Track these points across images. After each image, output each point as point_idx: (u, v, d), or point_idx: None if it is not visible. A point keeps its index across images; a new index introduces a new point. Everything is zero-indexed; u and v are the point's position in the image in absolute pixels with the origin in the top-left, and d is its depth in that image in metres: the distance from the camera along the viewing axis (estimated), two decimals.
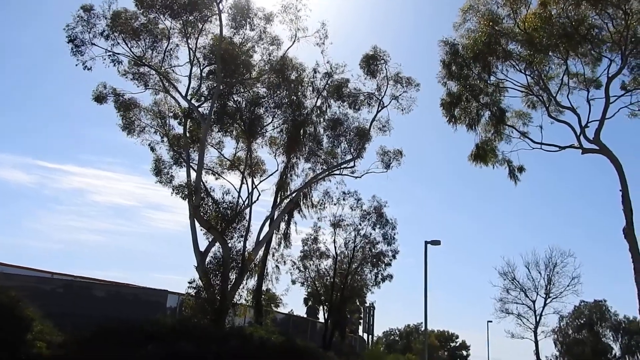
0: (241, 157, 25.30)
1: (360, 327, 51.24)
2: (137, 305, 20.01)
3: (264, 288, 29.09)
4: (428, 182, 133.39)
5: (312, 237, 36.16)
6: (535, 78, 24.88)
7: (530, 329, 67.09)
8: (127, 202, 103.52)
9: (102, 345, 13.39)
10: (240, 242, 21.75)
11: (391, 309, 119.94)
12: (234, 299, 21.00)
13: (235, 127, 24.60)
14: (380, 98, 26.01)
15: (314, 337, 34.48)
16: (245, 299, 22.53)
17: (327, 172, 27.11)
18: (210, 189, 22.75)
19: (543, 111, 25.90)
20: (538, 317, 67.21)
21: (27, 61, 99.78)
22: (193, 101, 23.19)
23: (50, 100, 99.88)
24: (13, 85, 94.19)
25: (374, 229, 35.80)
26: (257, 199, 24.16)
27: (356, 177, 27.35)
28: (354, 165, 26.69)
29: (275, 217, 26.11)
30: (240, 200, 22.98)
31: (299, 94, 25.35)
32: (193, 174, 22.12)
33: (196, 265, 20.55)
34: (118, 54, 21.85)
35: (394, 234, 36.21)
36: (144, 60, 22.51)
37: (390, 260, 36.45)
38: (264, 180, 25.70)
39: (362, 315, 49.70)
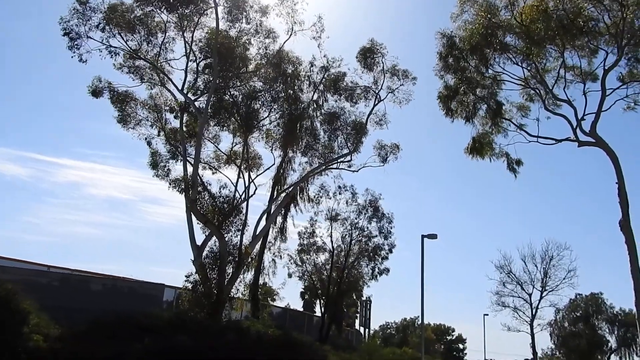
0: (238, 152, 25.25)
1: (357, 321, 51.46)
2: (133, 299, 19.99)
3: (260, 282, 29.15)
4: (425, 176, 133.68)
5: (309, 231, 36.25)
6: (532, 71, 24.89)
7: (527, 322, 67.38)
8: (124, 196, 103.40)
9: (98, 339, 13.36)
10: (237, 236, 21.76)
11: (388, 302, 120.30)
12: (231, 293, 21.01)
13: (231, 121, 24.53)
14: (377, 91, 26.03)
15: (310, 331, 34.57)
16: (242, 293, 22.59)
17: (324, 166, 27.08)
18: (207, 183, 22.77)
19: (540, 104, 25.94)
20: (534, 310, 67.47)
21: (23, 54, 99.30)
22: (189, 95, 23.10)
23: (46, 94, 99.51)
24: (9, 78, 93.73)
25: (370, 223, 35.92)
26: (254, 193, 24.22)
27: (353, 171, 27.39)
28: (351, 159, 26.71)
29: (272, 211, 26.12)
30: (237, 195, 23.02)
31: (296, 87, 25.30)
32: (190, 168, 22.07)
33: (193, 259, 20.54)
34: (114, 47, 21.74)
35: (390, 228, 36.35)
36: (139, 54, 22.39)
37: (387, 254, 36.59)
38: (260, 174, 25.73)
39: (358, 309, 49.89)
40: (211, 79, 22.99)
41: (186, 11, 22.18)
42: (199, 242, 21.07)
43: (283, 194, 27.16)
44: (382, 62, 25.68)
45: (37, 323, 13.06)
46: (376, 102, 26.10)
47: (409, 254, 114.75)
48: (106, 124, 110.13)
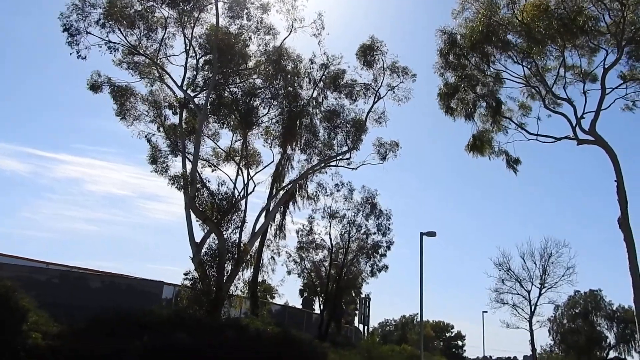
0: (237, 149, 25.23)
1: (356, 318, 51.56)
2: (132, 296, 19.99)
3: (259, 279, 29.14)
4: (425, 174, 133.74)
5: (307, 228, 36.24)
6: (532, 69, 24.85)
7: (525, 318, 67.43)
8: (122, 192, 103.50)
9: (98, 336, 13.36)
10: (235, 233, 21.77)
11: (387, 300, 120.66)
12: (230, 290, 20.99)
13: (231, 118, 24.50)
14: (376, 89, 26.00)
15: (309, 328, 34.59)
16: (240, 290, 22.53)
17: (323, 164, 27.08)
18: (206, 179, 22.75)
19: (540, 103, 25.93)
20: (533, 307, 67.52)
21: (22, 50, 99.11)
22: (189, 91, 23.07)
23: (45, 90, 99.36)
24: (8, 75, 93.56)
25: (368, 220, 35.91)
26: (253, 190, 24.22)
27: (352, 169, 27.41)
28: (350, 157, 26.72)
29: (270, 208, 26.12)
30: (236, 192, 23.01)
31: (295, 84, 25.26)
32: (189, 165, 22.05)
33: (192, 256, 20.53)
34: (113, 42, 21.67)
35: (389, 225, 36.31)
36: (139, 49, 22.33)
37: (385, 251, 36.58)
38: (259, 171, 25.74)
39: (357, 306, 49.95)
40: (211, 75, 22.94)
41: (187, 7, 22.12)
42: (197, 239, 21.06)
43: (282, 192, 27.15)
44: (382, 60, 25.68)
45: (36, 321, 13.04)
46: (376, 99, 26.11)
47: (408, 252, 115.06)
48: (105, 120, 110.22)
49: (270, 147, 26.29)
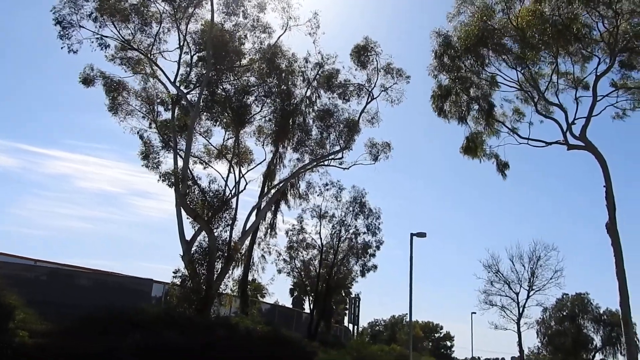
0: (229, 146, 25.13)
1: (346, 318, 51.59)
2: (121, 294, 19.85)
3: (249, 278, 29.11)
4: (419, 175, 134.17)
5: (298, 227, 36.24)
6: (526, 74, 24.95)
7: (514, 320, 67.88)
8: (114, 189, 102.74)
9: (86, 335, 13.25)
10: (226, 231, 21.72)
11: (377, 300, 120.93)
12: (220, 289, 20.95)
13: (224, 116, 24.37)
14: (370, 89, 26.01)
15: (299, 328, 34.59)
16: (231, 289, 22.55)
17: (315, 163, 27.06)
18: (197, 177, 22.67)
19: (532, 107, 26.05)
20: (521, 309, 68.01)
21: (14, 46, 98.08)
22: (182, 88, 22.93)
23: (37, 85, 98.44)
24: (0, 69, 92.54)
25: (357, 219, 36.02)
26: (244, 188, 24.18)
27: (344, 169, 27.44)
28: (342, 157, 26.75)
29: (262, 206, 26.06)
30: (227, 189, 22.92)
31: (289, 83, 25.18)
32: (180, 162, 21.94)
33: (182, 254, 20.44)
34: (106, 37, 21.51)
35: (379, 224, 36.43)
36: (132, 44, 22.16)
37: (375, 251, 36.67)
38: (251, 169, 25.68)
39: (347, 306, 49.99)
40: (204, 72, 22.82)
41: (182, 2, 22.02)
42: (188, 237, 20.97)
43: (273, 190, 27.09)
44: (376, 61, 25.70)
45: (23, 318, 12.90)
46: (369, 100, 26.13)
47: (400, 252, 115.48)
48: (97, 116, 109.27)
49: (263, 145, 26.29)
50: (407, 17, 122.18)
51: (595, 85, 23.45)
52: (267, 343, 17.64)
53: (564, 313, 68.32)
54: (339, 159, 26.79)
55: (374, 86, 25.93)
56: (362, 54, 25.43)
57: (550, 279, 66.48)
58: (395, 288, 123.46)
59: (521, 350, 69.11)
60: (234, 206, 22.68)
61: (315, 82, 25.75)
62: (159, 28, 22.41)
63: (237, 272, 24.39)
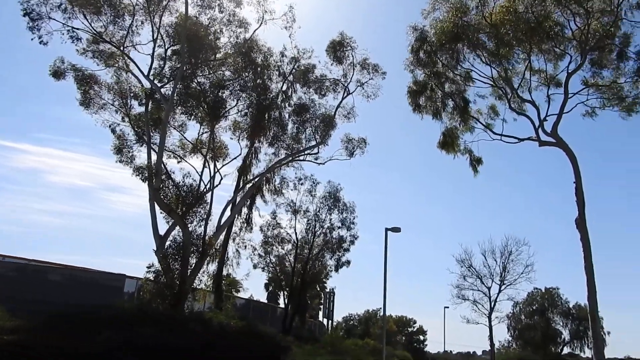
0: (204, 141, 24.89)
1: (320, 313, 51.70)
2: (93, 290, 19.53)
3: (224, 273, 28.95)
4: (395, 170, 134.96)
5: (273, 222, 36.23)
6: (500, 71, 25.30)
7: (485, 314, 69.05)
8: (86, 184, 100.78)
9: (56, 332, 12.99)
10: (201, 226, 21.54)
11: (351, 294, 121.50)
12: (194, 284, 20.77)
13: (198, 110, 24.12)
14: (346, 85, 26.03)
15: (274, 322, 34.58)
16: (205, 284, 22.34)
17: (291, 158, 26.99)
18: (171, 171, 22.45)
19: (505, 104, 26.44)
20: (493, 303, 69.21)
21: None
22: (156, 81, 22.62)
23: (5, 76, 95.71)
24: None
25: (331, 214, 36.21)
26: (219, 183, 24.00)
27: (320, 164, 27.38)
28: (318, 152, 26.70)
29: (237, 201, 25.93)
30: (202, 184, 22.72)
31: (265, 77, 25.07)
32: (154, 156, 21.66)
33: (155, 249, 20.22)
34: (77, 29, 21.06)
35: (353, 219, 36.68)
36: (104, 37, 21.74)
37: (349, 245, 36.92)
38: (226, 164, 25.46)
39: (322, 301, 50.12)
40: (178, 65, 22.54)
41: None
42: (162, 231, 20.73)
43: (249, 185, 26.97)
44: (352, 56, 25.71)
45: None
46: (345, 95, 26.15)
47: (375, 247, 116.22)
48: (68, 109, 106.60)
49: (238, 139, 26.11)
50: (384, 11, 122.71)
51: (566, 82, 23.92)
52: (241, 338, 17.58)
53: (534, 307, 69.74)
54: (315, 154, 26.79)
55: (350, 81, 26.00)
56: (337, 49, 25.44)
57: (521, 273, 67.74)
58: (369, 283, 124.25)
59: (492, 344, 70.35)
60: (208, 201, 22.53)
61: (292, 76, 25.68)
62: (132, 20, 22.04)
63: (212, 267, 24.24)
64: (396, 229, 28.58)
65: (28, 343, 11.98)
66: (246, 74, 24.30)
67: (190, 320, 17.67)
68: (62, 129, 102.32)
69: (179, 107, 23.67)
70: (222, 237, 25.47)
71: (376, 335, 50.13)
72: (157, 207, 20.75)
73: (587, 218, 23.35)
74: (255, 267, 36.30)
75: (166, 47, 23.08)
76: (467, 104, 26.13)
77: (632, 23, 22.67)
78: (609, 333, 60.43)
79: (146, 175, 21.12)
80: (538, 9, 22.14)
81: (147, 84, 22.63)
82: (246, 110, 25.26)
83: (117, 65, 22.86)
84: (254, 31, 23.83)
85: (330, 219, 36.53)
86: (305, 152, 26.78)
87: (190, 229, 20.83)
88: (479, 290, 70.21)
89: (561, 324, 68.48)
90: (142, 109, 23.18)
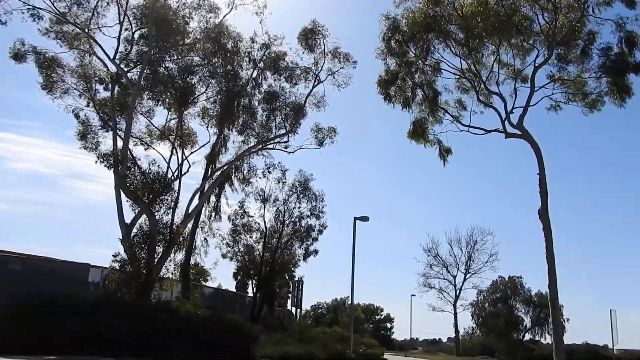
0: (172, 127, 24.48)
1: (289, 301, 51.90)
2: (56, 280, 18.97)
3: (192, 262, 28.71)
4: (364, 159, 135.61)
5: (241, 211, 36.10)
6: (469, 63, 25.54)
7: (450, 302, 70.83)
8: (49, 170, 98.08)
9: (18, 323, 12.64)
10: (168, 214, 21.28)
11: (320, 283, 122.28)
12: (161, 273, 20.55)
13: (166, 95, 23.65)
14: (317, 73, 25.91)
15: (242, 311, 34.52)
16: (172, 273, 22.06)
17: (260, 146, 26.81)
18: (138, 158, 22.04)
19: (473, 96, 26.76)
20: (458, 292, 71.05)
21: None
22: (122, 65, 22.07)
23: None
24: None
25: (300, 203, 36.30)
26: (187, 170, 23.71)
27: (289, 152, 27.30)
28: (288, 140, 26.59)
29: (205, 189, 25.65)
30: (170, 172, 22.38)
31: (235, 64, 24.73)
32: (120, 142, 21.21)
33: (121, 237, 19.87)
34: (39, 8, 20.30)
35: (322, 208, 36.86)
36: (68, 18, 21.03)
37: (318, 234, 37.12)
38: (195, 151, 25.12)
39: (290, 290, 50.27)
40: (146, 49, 22.01)
41: None
42: (128, 220, 20.38)
43: (217, 173, 26.68)
44: (324, 44, 25.58)
45: None
46: (316, 83, 26.03)
47: (344, 236, 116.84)
48: (29, 93, 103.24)
49: (207, 127, 25.75)
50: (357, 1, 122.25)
51: (533, 76, 24.32)
52: (209, 327, 17.45)
53: (498, 295, 71.49)
54: (285, 142, 26.67)
55: (321, 70, 25.89)
56: (309, 37, 25.27)
57: (486, 262, 69.71)
58: (338, 271, 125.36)
59: (457, 331, 72.22)
60: (176, 189, 22.23)
61: (262, 63, 25.40)
62: (97, 1, 21.37)
63: (179, 256, 23.92)
64: (365, 218, 28.82)
65: None
66: (216, 59, 23.92)
67: (157, 309, 17.44)
68: (23, 113, 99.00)
69: (146, 93, 23.15)
70: (190, 225, 25.20)
71: (344, 323, 50.62)
72: (123, 195, 20.35)
73: (549, 208, 23.97)
74: (224, 256, 36.16)
75: (133, 31, 22.49)
76: (436, 95, 26.33)
77: (597, 20, 23.17)
78: (568, 320, 62.47)
79: (111, 162, 20.60)
80: (508, 3, 22.40)
81: (112, 68, 22.06)
82: (215, 97, 24.89)
83: (81, 47, 22.17)
84: (224, 16, 23.51)
85: (300, 208, 36.62)
86: (275, 141, 26.64)
87: (157, 217, 20.56)
88: (444, 279, 71.87)
89: (523, 311, 70.42)
90: (108, 93, 22.58)
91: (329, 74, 25.93)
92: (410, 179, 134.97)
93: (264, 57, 25.28)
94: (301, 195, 36.31)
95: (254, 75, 25.43)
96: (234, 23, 24.21)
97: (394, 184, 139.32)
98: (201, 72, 24.02)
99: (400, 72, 25.67)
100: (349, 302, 32.27)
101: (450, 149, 27.65)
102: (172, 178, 22.25)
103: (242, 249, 37.16)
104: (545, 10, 22.84)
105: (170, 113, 24.43)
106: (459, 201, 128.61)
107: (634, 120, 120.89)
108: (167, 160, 22.75)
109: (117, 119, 22.16)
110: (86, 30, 21.36)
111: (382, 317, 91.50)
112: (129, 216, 20.50)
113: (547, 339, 64.90)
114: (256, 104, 25.79)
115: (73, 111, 22.44)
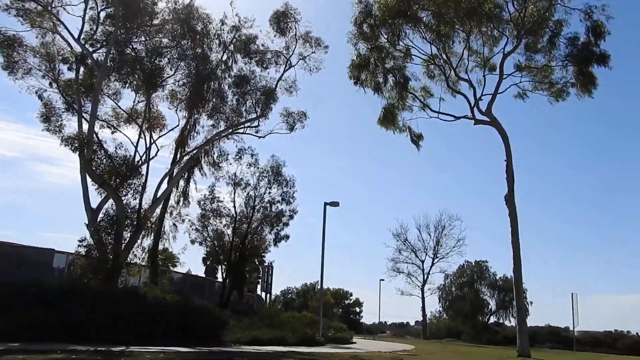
0: (140, 110, 23.96)
1: (259, 287, 51.91)
2: (20, 266, 18.54)
3: (160, 247, 28.39)
4: (337, 145, 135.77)
5: (211, 196, 35.83)
6: (439, 49, 25.75)
7: (418, 286, 72.23)
8: (11, 154, 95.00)
9: None
10: (136, 199, 20.90)
11: (290, 268, 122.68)
12: (128, 258, 20.21)
13: (134, 78, 23.08)
14: (288, 57, 25.64)
15: (212, 297, 34.40)
16: (140, 259, 21.72)
17: (230, 130, 26.48)
18: (104, 141, 21.54)
19: (443, 82, 27.04)
20: (426, 276, 72.46)
21: None
22: (87, 45, 21.41)
23: None
24: None
25: (271, 188, 36.24)
26: (156, 154, 23.33)
27: (260, 137, 27.09)
28: (258, 125, 26.33)
29: (174, 174, 25.27)
30: (137, 156, 21.95)
31: (205, 46, 24.26)
32: (85, 125, 20.67)
33: (87, 222, 19.45)
34: None
35: (293, 193, 36.85)
36: None
37: (288, 220, 37.16)
38: (163, 135, 24.71)
39: (260, 275, 50.27)
40: (112, 30, 21.39)
41: None
42: (94, 204, 19.96)
43: (187, 157, 26.28)
44: (295, 28, 25.30)
45: None
46: (287, 67, 25.78)
47: (314, 221, 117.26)
48: None
49: (176, 110, 25.29)
50: None
51: (502, 63, 24.75)
52: (177, 313, 17.29)
53: (464, 279, 73.16)
54: (256, 127, 26.41)
55: (293, 54, 25.63)
56: (281, 20, 24.97)
57: (454, 247, 71.22)
58: (308, 257, 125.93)
59: (424, 315, 73.75)
60: (144, 173, 21.81)
61: (232, 46, 24.98)
62: None
63: (147, 241, 23.59)
64: (335, 204, 28.89)
65: None
66: (185, 41, 23.42)
67: (124, 295, 17.18)
68: None
69: (113, 74, 22.55)
70: (158, 210, 24.86)
71: (314, 308, 51.00)
72: (89, 179, 19.89)
73: (515, 194, 24.54)
74: (193, 242, 35.90)
75: (99, 10, 21.83)
76: (407, 81, 26.52)
77: (566, 9, 23.60)
78: (531, 303, 64.39)
79: (77, 145, 20.08)
80: None
81: (77, 48, 21.38)
82: (184, 80, 24.42)
83: (44, 26, 21.38)
84: None
85: (270, 193, 36.52)
86: (246, 125, 26.35)
87: (124, 201, 20.17)
88: (413, 264, 73.17)
89: (488, 295, 72.38)
90: (73, 75, 21.95)
91: (300, 59, 25.74)
92: (381, 165, 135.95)
93: (235, 39, 24.89)
94: (272, 181, 36.22)
95: (224, 58, 25.01)
96: (203, 4, 23.77)
97: (364, 169, 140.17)
98: (170, 54, 23.50)
99: (371, 57, 25.71)
100: (319, 287, 32.48)
101: (421, 135, 28.02)
102: (140, 162, 21.85)
103: (212, 234, 36.92)
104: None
105: (138, 96, 23.92)
106: (429, 187, 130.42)
107: (600, 109, 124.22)
108: (135, 144, 22.32)
109: (83, 101, 21.61)
110: (49, 8, 20.62)
111: (351, 301, 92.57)
112: (95, 201, 20.14)
113: (512, 322, 66.96)
114: (226, 87, 25.42)
115: (36, 92, 21.79)
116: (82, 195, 19.85)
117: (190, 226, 34.96)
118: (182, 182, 29.71)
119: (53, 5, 20.77)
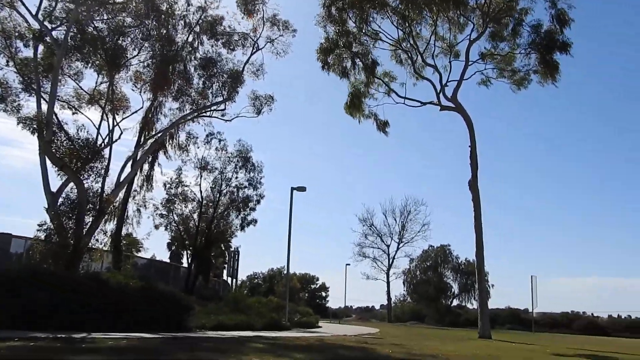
0: (102, 91, 23.24)
1: (225, 272, 51.67)
2: None
3: (124, 232, 27.90)
4: (306, 130, 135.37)
5: (177, 180, 35.34)
6: (406, 33, 25.83)
7: (384, 271, 73.26)
8: None
9: None
10: (98, 182, 20.40)
11: (257, 253, 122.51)
12: (90, 243, 19.75)
13: (96, 57, 22.34)
14: (255, 40, 25.30)
15: (176, 282, 34.07)
16: (102, 244, 21.27)
17: (196, 113, 26.03)
18: (64, 122, 20.84)
19: (409, 68, 27.18)
20: (391, 260, 73.52)
21: None
22: (46, 22, 20.58)
23: None
24: None
25: (238, 173, 36.04)
26: (119, 137, 22.67)
27: (226, 121, 26.71)
28: (225, 108, 25.95)
29: (138, 157, 24.74)
30: (100, 138, 21.34)
31: (170, 27, 23.65)
32: (44, 106, 19.95)
33: (47, 206, 18.86)
34: None
35: (260, 178, 36.72)
36: None
37: (255, 205, 37.03)
38: (127, 117, 23.98)
39: (226, 260, 50.02)
40: (72, 7, 20.62)
41: None
42: (54, 188, 19.35)
43: (151, 140, 25.75)
44: (263, 10, 24.94)
45: None
46: (254, 50, 25.45)
47: (282, 206, 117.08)
48: None
49: (140, 92, 24.58)
50: None
51: (467, 50, 25.03)
52: (141, 298, 17.03)
53: (428, 263, 74.54)
54: (222, 110, 26.01)
55: (260, 37, 25.30)
56: (248, 1, 24.56)
57: (418, 232, 72.35)
58: (275, 241, 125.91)
59: (389, 299, 74.94)
60: (106, 156, 21.20)
61: (198, 27, 24.45)
62: None
63: (110, 226, 23.15)
64: (302, 188, 28.86)
65: None
66: (149, 21, 22.76)
67: (86, 281, 16.79)
68: None
69: (74, 53, 21.77)
70: (121, 194, 24.36)
71: (280, 292, 51.12)
72: (48, 162, 19.26)
73: (479, 180, 25.00)
74: (157, 227, 35.38)
75: None
76: (374, 65, 26.54)
77: None
78: (493, 286, 66.24)
79: (35, 126, 19.39)
80: None
81: (35, 25, 20.54)
82: (149, 61, 23.77)
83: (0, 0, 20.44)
84: None
85: (237, 178, 36.27)
86: (212, 109, 25.94)
87: (86, 185, 19.69)
88: (378, 248, 74.08)
89: (452, 278, 74.01)
90: (30, 53, 21.09)
91: (268, 42, 25.43)
92: (347, 150, 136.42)
93: (200, 20, 24.37)
94: (240, 166, 35.95)
95: (190, 39, 24.49)
96: None
97: (331, 154, 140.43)
98: (133, 33, 22.81)
99: (339, 41, 25.61)
100: (285, 272, 32.52)
101: (387, 122, 28.15)
102: (103, 145, 21.26)
103: (177, 219, 36.48)
104: None
105: (100, 76, 23.17)
106: (395, 172, 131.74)
107: (563, 95, 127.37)
108: (97, 126, 21.65)
109: (42, 81, 20.82)
110: None
111: (317, 286, 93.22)
112: (55, 184, 19.53)
113: (474, 305, 68.71)
114: (192, 69, 24.90)
115: None
116: (42, 179, 19.24)
117: (155, 211, 34.45)
118: (146, 166, 29.19)
119: None
